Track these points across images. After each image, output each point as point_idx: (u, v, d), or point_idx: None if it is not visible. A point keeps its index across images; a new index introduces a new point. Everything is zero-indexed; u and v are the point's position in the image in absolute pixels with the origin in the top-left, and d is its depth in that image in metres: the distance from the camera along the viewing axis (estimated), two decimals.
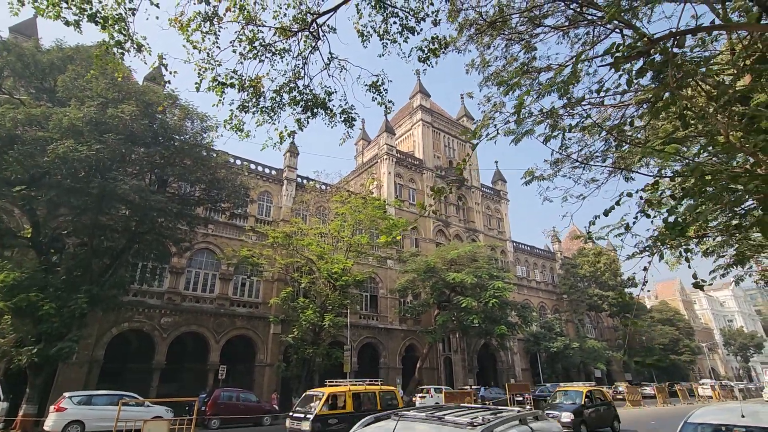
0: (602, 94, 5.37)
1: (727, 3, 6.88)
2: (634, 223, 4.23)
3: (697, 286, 3.56)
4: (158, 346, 23.95)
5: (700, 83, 4.77)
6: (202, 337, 26.00)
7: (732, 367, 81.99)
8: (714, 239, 8.96)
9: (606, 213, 3.93)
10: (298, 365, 25.13)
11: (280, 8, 6.50)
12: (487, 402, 30.34)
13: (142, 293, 24.34)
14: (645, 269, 4.01)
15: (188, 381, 27.44)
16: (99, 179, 16.85)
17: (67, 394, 16.37)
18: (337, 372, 28.23)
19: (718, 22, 5.53)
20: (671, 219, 3.35)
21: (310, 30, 6.10)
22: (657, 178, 4.11)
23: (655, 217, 4.54)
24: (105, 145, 16.27)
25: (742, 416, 5.38)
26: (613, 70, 7.51)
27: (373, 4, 6.21)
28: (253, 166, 31.25)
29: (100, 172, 17.39)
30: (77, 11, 4.86)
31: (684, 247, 3.75)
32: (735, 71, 5.65)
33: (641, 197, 4.40)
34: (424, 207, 4.14)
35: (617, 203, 3.81)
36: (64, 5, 4.79)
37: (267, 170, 32.49)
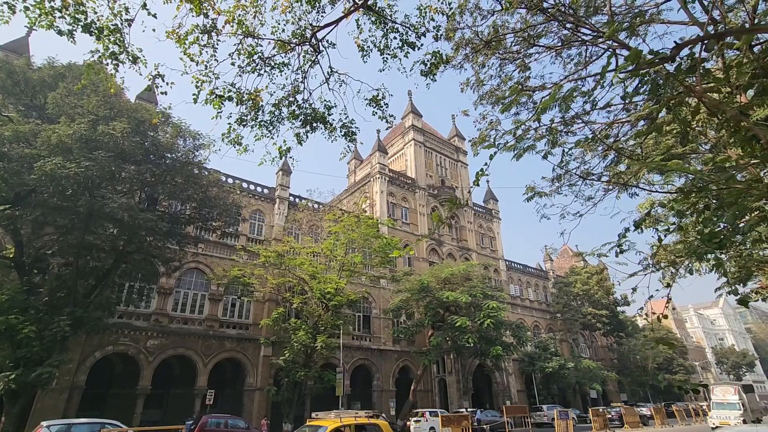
0: (607, 108, 5.34)
1: (719, 24, 7.03)
2: (666, 235, 4.13)
3: (742, 302, 3.43)
4: (143, 370, 23.05)
5: (702, 100, 4.75)
6: (189, 360, 25.13)
7: None
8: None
9: (637, 225, 3.82)
10: (290, 389, 24.32)
11: (279, 23, 6.47)
12: (484, 426, 29.63)
13: (128, 315, 23.56)
14: (668, 286, 3.88)
15: (174, 407, 26.39)
16: (87, 197, 16.47)
17: (45, 423, 15.49)
18: (330, 395, 27.41)
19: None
20: (707, 231, 3.24)
21: (310, 44, 6.04)
22: (687, 189, 4.04)
23: (687, 231, 4.45)
24: (94, 163, 15.98)
25: None
26: (609, 88, 7.55)
27: (373, 19, 6.19)
28: (245, 185, 31.00)
29: (89, 190, 17.02)
30: (71, 21, 4.73)
31: (716, 262, 3.64)
32: (733, 89, 5.71)
33: (672, 208, 4.31)
34: (442, 220, 3.97)
35: (648, 214, 3.71)
36: (58, 14, 4.65)
37: (259, 189, 32.26)
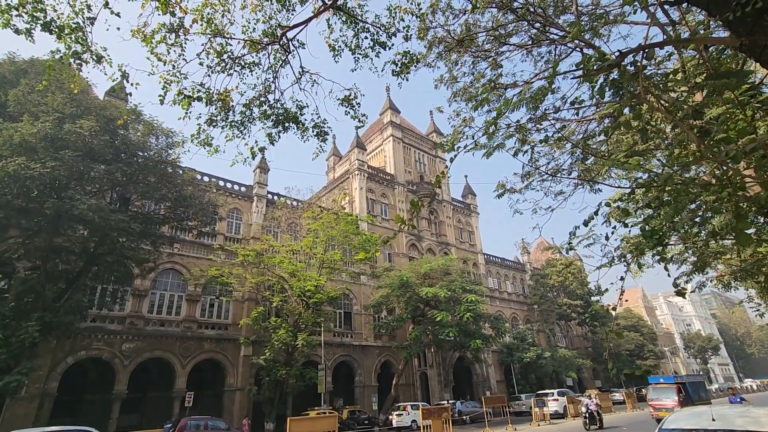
0: (574, 106, 5.54)
1: (677, 25, 7.35)
2: (612, 232, 4.35)
3: (680, 293, 3.65)
4: (119, 374, 22.48)
5: (659, 99, 5.00)
6: (167, 362, 24.65)
7: (693, 369, 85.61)
8: (675, 247, 9.40)
9: (585, 223, 4.01)
10: (271, 388, 24.19)
11: (249, 23, 6.40)
12: (464, 417, 30.19)
13: (101, 318, 22.90)
14: (622, 279, 4.09)
15: (152, 410, 25.88)
16: (54, 199, 15.87)
17: None
18: (312, 393, 27.41)
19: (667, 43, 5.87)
20: (648, 228, 3.44)
21: (280, 44, 6.01)
22: (634, 188, 4.24)
23: (633, 226, 4.68)
24: (61, 163, 15.43)
25: (713, 420, 5.53)
26: (575, 87, 7.80)
27: (344, 19, 6.21)
28: (221, 183, 30.48)
29: (56, 190, 16.42)
30: (29, 19, 4.57)
31: (661, 256, 3.85)
32: (688, 87, 6.00)
33: (618, 207, 4.53)
34: (404, 221, 4.07)
35: (596, 212, 3.89)
36: (15, 12, 4.49)
37: (236, 187, 31.76)
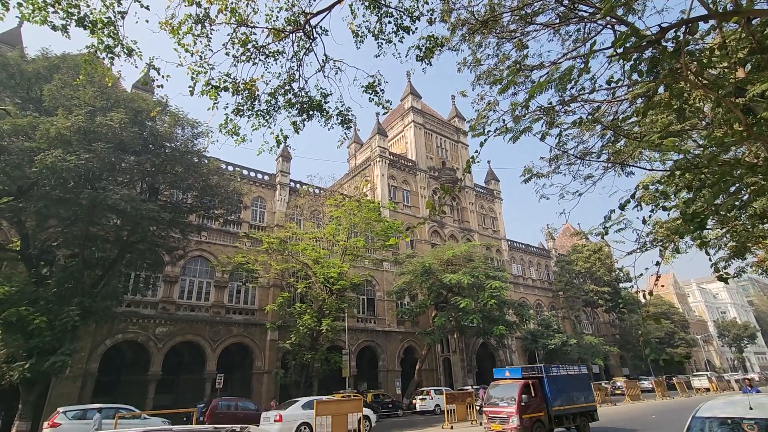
0: (610, 86, 5.33)
1: None
2: (651, 215, 4.21)
3: (722, 279, 3.51)
4: (153, 356, 23.58)
5: (698, 77, 4.75)
6: (198, 346, 25.66)
7: (727, 358, 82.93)
8: (713, 231, 9.03)
9: (622, 207, 3.90)
10: (297, 371, 24.87)
11: (272, 11, 6.40)
12: None
13: (135, 303, 23.96)
14: (657, 264, 3.97)
15: (185, 391, 27.07)
16: (89, 189, 16.55)
17: (61, 409, 16.02)
18: (337, 377, 28.04)
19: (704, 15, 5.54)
20: (689, 211, 3.30)
21: (304, 31, 6.00)
22: (674, 170, 4.08)
23: (670, 210, 4.52)
24: (94, 154, 16.00)
25: (750, 408, 5.36)
26: (606, 65, 7.49)
27: (367, 4, 6.13)
28: (245, 172, 31.01)
29: (90, 181, 17.09)
30: (64, 15, 4.72)
31: (700, 240, 3.71)
32: (731, 63, 5.67)
33: (657, 189, 4.39)
34: (435, 208, 4.05)
35: (632, 196, 3.78)
36: (51, 10, 4.64)
37: (260, 175, 32.27)
